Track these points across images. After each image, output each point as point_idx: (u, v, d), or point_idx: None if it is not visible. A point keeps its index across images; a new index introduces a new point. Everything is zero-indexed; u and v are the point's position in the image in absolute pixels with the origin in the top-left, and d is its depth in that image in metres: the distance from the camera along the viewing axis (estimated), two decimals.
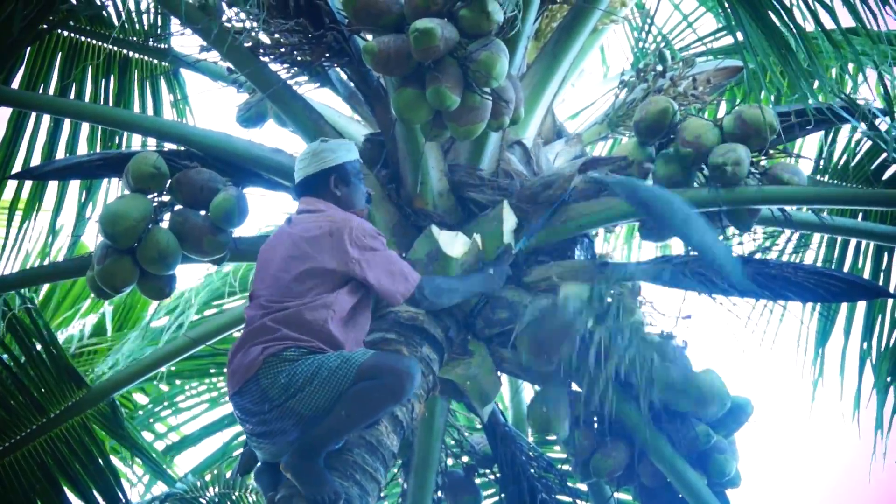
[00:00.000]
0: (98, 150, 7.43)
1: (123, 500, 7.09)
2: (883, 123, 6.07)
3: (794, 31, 5.46)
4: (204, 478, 7.76)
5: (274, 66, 6.11)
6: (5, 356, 7.00)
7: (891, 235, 6.47)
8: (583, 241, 6.20)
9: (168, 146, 6.46)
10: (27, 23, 6.37)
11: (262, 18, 5.92)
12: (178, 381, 9.00)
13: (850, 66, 7.49)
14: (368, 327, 5.25)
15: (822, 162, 7.03)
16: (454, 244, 5.76)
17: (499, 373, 6.11)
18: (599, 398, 6.26)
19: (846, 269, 7.03)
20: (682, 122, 6.00)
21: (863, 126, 5.97)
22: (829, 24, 5.77)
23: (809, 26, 5.74)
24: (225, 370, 5.30)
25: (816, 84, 5.98)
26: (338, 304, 4.98)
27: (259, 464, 5.16)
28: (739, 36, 5.56)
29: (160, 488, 8.25)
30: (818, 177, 7.03)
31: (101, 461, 7.01)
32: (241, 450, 8.63)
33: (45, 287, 9.06)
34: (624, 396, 6.23)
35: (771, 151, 5.96)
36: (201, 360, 8.73)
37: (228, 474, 7.89)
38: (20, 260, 7.29)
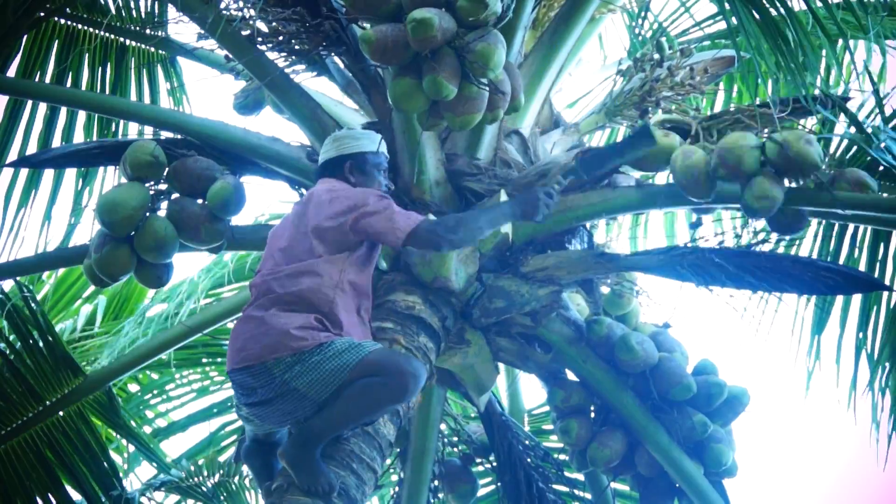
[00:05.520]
0: (95, 138, 7.43)
1: (119, 488, 7.09)
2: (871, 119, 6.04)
3: (788, 19, 5.45)
4: (199, 466, 7.77)
5: (271, 55, 6.11)
6: (2, 344, 7.00)
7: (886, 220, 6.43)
8: (581, 231, 6.20)
9: (165, 134, 6.46)
10: (23, 10, 6.35)
11: (260, 6, 5.91)
12: (171, 370, 8.99)
13: (847, 49, 7.48)
14: (371, 301, 5.24)
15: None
16: None
17: (496, 362, 6.12)
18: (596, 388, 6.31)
19: (842, 260, 7.01)
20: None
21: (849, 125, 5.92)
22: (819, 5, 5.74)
23: (801, 5, 5.71)
24: (227, 343, 5.27)
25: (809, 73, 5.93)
26: (343, 271, 5.02)
27: (247, 442, 5.16)
28: (734, 21, 5.53)
29: (148, 473, 8.28)
30: None
31: (97, 449, 7.01)
32: (229, 438, 8.68)
33: (47, 287, 9.07)
34: (620, 386, 6.25)
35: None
36: (194, 349, 8.72)
37: (222, 458, 7.90)
38: (16, 248, 7.29)
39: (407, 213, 5.16)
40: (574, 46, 6.53)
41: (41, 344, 6.86)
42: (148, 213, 5.97)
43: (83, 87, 7.44)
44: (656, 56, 6.67)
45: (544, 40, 6.34)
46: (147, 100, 7.60)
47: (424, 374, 4.91)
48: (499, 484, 6.83)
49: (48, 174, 7.33)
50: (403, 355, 5.03)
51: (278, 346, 4.82)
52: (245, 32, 6.06)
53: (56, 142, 7.39)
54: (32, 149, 7.34)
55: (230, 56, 6.21)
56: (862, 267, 6.95)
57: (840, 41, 7.31)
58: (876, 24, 6.12)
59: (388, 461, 6.57)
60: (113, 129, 7.44)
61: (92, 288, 8.96)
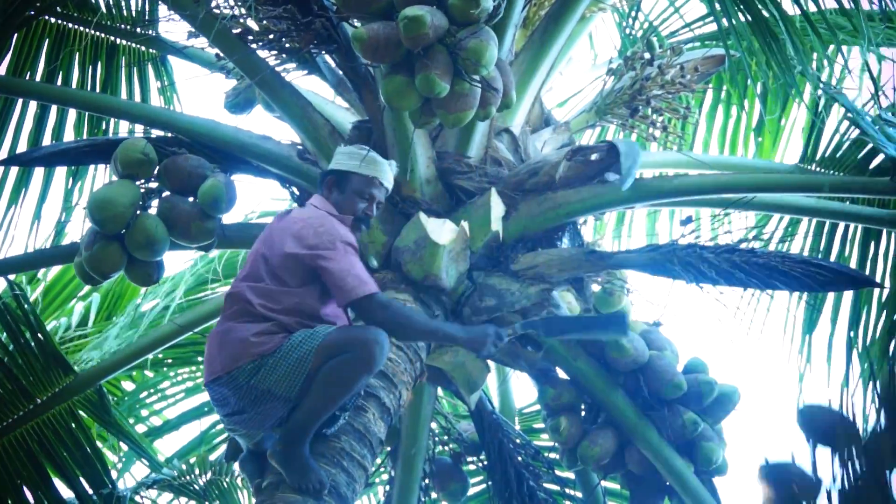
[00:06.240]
0: (85, 136, 7.42)
1: (109, 486, 7.08)
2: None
3: (779, 18, 5.46)
4: (191, 464, 7.76)
5: (262, 53, 6.09)
6: None
7: (877, 218, 6.45)
8: (570, 228, 6.20)
9: (156, 132, 6.45)
10: (13, 8, 6.34)
11: (251, 4, 5.91)
12: (164, 369, 8.98)
13: (840, 52, 7.49)
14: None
15: (808, 151, 7.02)
16: (442, 231, 5.75)
17: (487, 360, 6.12)
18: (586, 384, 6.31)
19: (833, 257, 7.03)
20: None
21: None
22: (813, 10, 5.74)
23: (796, 10, 5.71)
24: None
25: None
26: (301, 303, 4.94)
27: (244, 452, 5.16)
28: (725, 23, 5.54)
29: (141, 472, 8.26)
30: (806, 166, 7.02)
31: (87, 447, 6.99)
32: (220, 437, 8.68)
33: (42, 285, 9.05)
34: (611, 384, 6.25)
35: None
36: (185, 348, 8.72)
37: (213, 457, 7.88)
38: (6, 247, 7.28)
39: (362, 278, 4.95)
40: (564, 45, 6.54)
41: (32, 342, 6.85)
42: (139, 211, 5.97)
43: (73, 86, 7.43)
44: (647, 55, 6.68)
45: (535, 39, 6.34)
46: (137, 98, 7.59)
47: (387, 339, 4.83)
48: (489, 482, 6.82)
49: (38, 172, 7.33)
50: (361, 327, 4.98)
51: (239, 354, 4.81)
52: (236, 30, 6.05)
53: (46, 140, 7.38)
54: (22, 147, 7.33)
55: (221, 54, 6.21)
56: (853, 264, 6.98)
57: (833, 45, 7.33)
58: (876, 34, 6.15)
59: (379, 459, 6.57)
60: (103, 127, 7.43)
61: (87, 286, 8.95)
